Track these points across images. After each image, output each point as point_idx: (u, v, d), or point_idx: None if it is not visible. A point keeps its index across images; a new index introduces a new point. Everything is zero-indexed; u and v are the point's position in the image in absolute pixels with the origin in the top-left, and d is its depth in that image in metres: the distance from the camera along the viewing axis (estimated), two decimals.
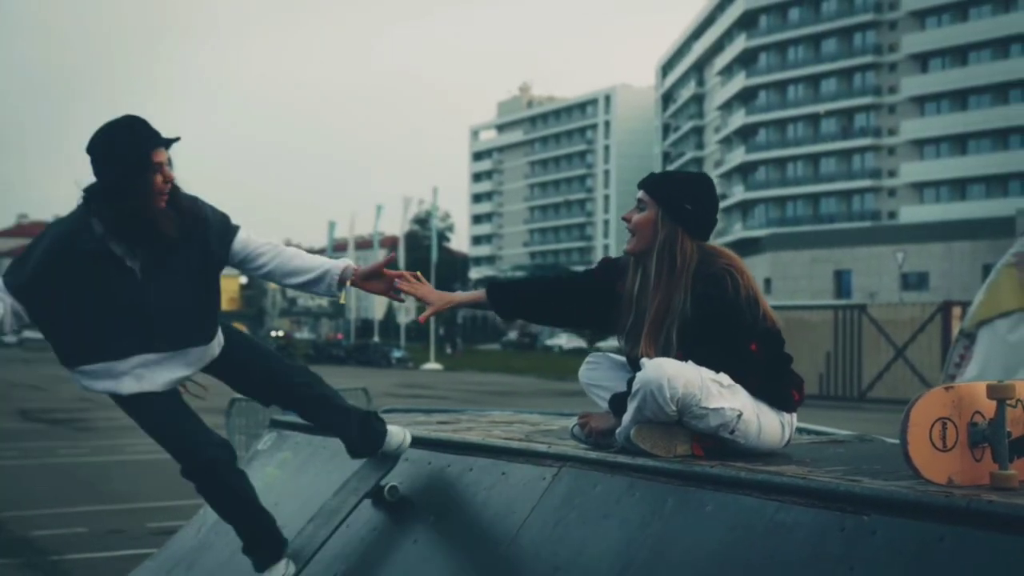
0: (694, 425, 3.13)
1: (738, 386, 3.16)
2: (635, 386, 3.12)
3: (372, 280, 3.52)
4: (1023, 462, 2.59)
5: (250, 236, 3.44)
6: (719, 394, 3.12)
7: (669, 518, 2.86)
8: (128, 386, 3.27)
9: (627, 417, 3.18)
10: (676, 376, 3.07)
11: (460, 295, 3.83)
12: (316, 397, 3.54)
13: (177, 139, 3.25)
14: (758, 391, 3.20)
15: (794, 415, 3.32)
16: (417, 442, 3.99)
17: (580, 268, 3.99)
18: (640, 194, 3.37)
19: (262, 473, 4.65)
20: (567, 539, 3.05)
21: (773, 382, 3.25)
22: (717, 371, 3.14)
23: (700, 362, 3.14)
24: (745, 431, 3.15)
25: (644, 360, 3.16)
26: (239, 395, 9.50)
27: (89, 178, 3.21)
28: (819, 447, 3.59)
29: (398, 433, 3.63)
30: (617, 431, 3.25)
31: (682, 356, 3.15)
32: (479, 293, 3.63)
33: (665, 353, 3.19)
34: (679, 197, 3.31)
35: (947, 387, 2.56)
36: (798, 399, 3.31)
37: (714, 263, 3.23)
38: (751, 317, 3.19)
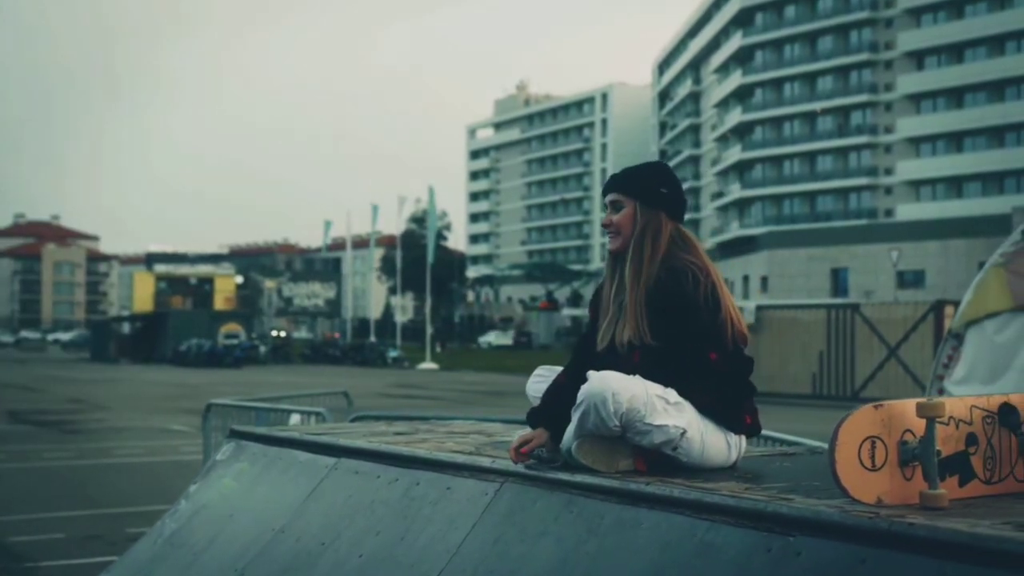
0: (637, 441, 3.09)
1: (685, 403, 3.12)
2: (579, 397, 3.09)
3: None
4: (954, 481, 2.56)
5: None
6: (664, 411, 3.08)
7: (604, 536, 2.83)
8: None
9: (570, 430, 3.15)
10: (621, 391, 3.03)
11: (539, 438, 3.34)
12: None
13: None
14: (707, 407, 3.15)
15: (743, 437, 3.27)
16: (368, 455, 3.97)
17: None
18: (610, 197, 3.35)
19: (219, 484, 4.62)
20: (505, 556, 3.02)
21: (726, 401, 3.19)
22: (667, 377, 3.10)
23: (653, 361, 3.11)
24: (688, 449, 3.11)
25: (590, 373, 3.12)
26: (216, 399, 9.51)
27: None
28: (767, 460, 3.56)
29: None
30: (562, 443, 3.22)
31: (640, 353, 3.13)
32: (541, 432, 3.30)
33: (639, 335, 3.15)
34: (653, 184, 3.31)
35: (876, 405, 2.52)
36: (750, 423, 3.26)
37: (679, 257, 3.21)
38: (709, 320, 3.14)
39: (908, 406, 2.52)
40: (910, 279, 55.07)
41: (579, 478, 3.05)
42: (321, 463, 4.12)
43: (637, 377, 3.09)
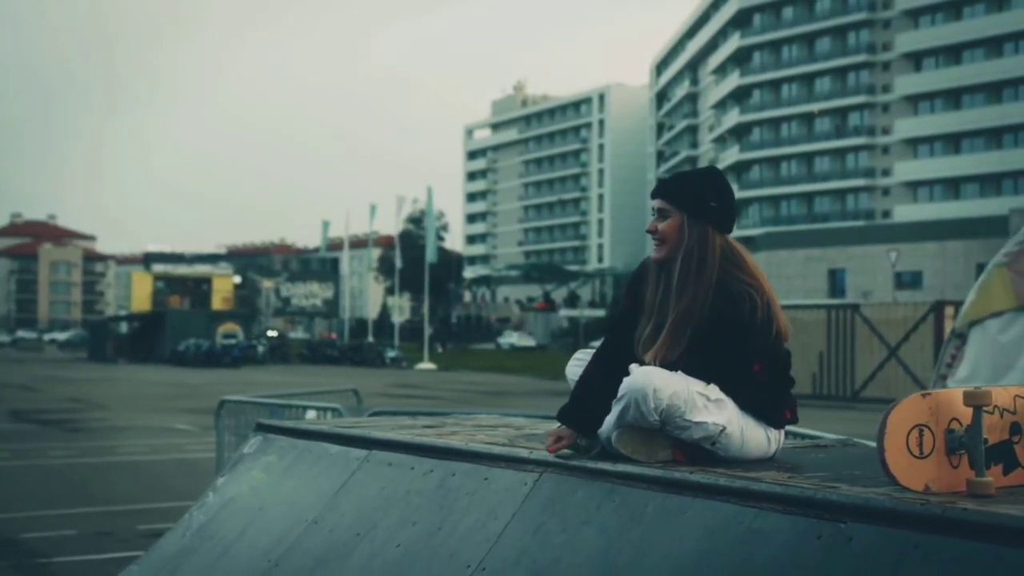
0: (676, 435, 3.12)
1: (727, 400, 3.13)
2: (621, 391, 3.11)
3: None
4: (999, 469, 2.59)
5: None
6: (704, 408, 3.09)
7: (648, 524, 2.85)
8: None
9: (610, 419, 3.18)
10: (663, 387, 3.05)
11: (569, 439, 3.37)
12: None
13: None
14: (748, 405, 3.18)
15: (782, 432, 3.30)
16: (401, 446, 3.99)
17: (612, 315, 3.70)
18: (657, 203, 3.30)
19: (247, 477, 4.64)
20: (547, 545, 3.05)
21: (767, 400, 3.22)
22: (709, 382, 3.12)
23: (697, 369, 3.12)
24: (726, 445, 3.14)
25: (633, 367, 3.15)
26: (229, 396, 9.53)
27: None
28: (802, 452, 3.59)
29: None
30: (601, 430, 3.24)
31: (684, 360, 3.15)
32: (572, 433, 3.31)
33: (679, 354, 3.16)
34: (703, 197, 3.26)
35: (924, 394, 2.55)
36: (789, 418, 3.29)
37: (737, 279, 3.19)
38: (762, 340, 3.16)
39: (955, 395, 2.55)
40: (908, 280, 55.13)
41: (620, 467, 3.07)
42: (352, 455, 4.13)
43: (679, 373, 3.11)
